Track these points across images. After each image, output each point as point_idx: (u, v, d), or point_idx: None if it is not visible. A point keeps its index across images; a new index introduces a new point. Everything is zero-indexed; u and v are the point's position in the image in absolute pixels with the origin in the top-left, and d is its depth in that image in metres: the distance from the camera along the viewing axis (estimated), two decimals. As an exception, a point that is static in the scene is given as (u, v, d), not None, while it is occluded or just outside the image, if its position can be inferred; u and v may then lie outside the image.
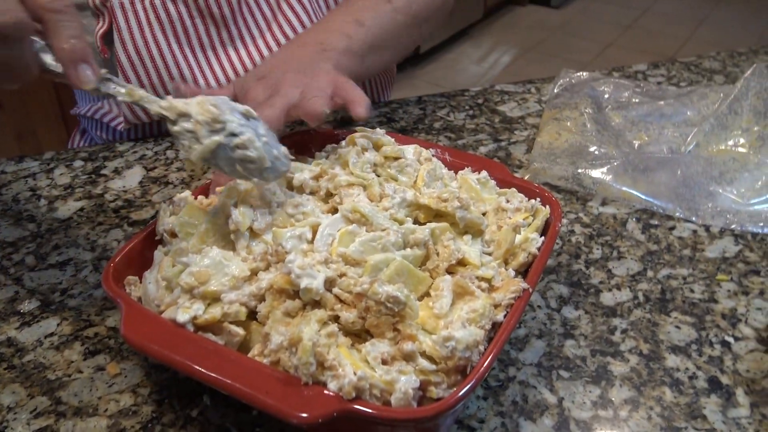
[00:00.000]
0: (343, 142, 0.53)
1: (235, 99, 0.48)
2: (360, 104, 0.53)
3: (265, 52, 0.73)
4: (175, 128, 0.43)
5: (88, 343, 0.50)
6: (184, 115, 0.42)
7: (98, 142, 0.84)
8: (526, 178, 0.67)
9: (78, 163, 0.70)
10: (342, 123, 0.77)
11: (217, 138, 0.42)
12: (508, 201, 0.51)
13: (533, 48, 3.53)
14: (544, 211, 0.50)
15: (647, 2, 4.16)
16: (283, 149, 0.46)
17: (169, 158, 0.71)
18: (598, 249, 0.59)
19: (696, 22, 3.81)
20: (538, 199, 0.51)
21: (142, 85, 0.70)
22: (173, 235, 0.46)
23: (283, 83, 0.56)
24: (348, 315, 0.38)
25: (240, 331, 0.40)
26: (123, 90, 0.44)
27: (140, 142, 0.74)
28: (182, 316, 0.40)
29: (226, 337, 0.40)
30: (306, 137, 0.59)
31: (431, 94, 0.83)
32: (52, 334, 0.50)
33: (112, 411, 0.45)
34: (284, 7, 0.72)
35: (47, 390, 0.46)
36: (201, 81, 0.72)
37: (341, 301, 0.39)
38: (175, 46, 0.70)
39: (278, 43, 0.73)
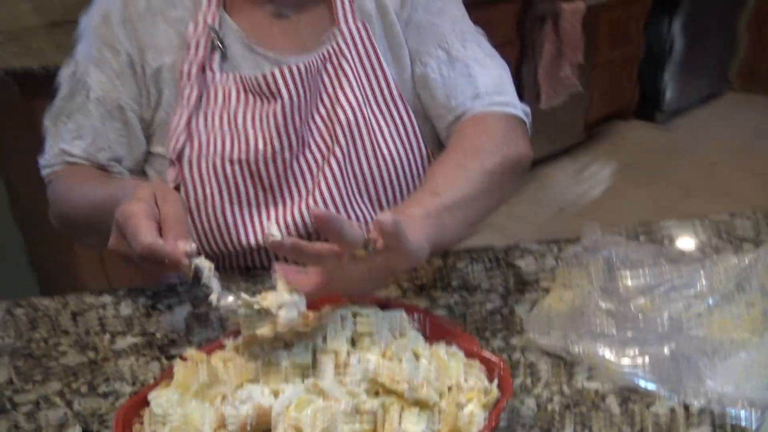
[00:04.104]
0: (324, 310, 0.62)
1: None
2: None
3: (305, 213, 0.84)
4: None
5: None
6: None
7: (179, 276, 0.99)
8: (522, 342, 0.73)
9: (142, 299, 0.84)
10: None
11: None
12: (466, 380, 0.57)
13: (634, 165, 3.52)
14: (494, 393, 0.55)
15: (756, 121, 4.03)
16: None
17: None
18: (569, 426, 0.63)
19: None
20: (496, 380, 0.57)
21: (195, 230, 0.85)
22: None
23: None
24: None
25: None
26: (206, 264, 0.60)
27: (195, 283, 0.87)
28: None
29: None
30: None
31: (457, 250, 0.91)
32: (84, 459, 0.61)
33: None
34: (320, 177, 0.84)
35: None
36: (242, 235, 0.85)
37: None
38: (227, 202, 0.84)
39: (316, 205, 0.85)
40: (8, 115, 1.98)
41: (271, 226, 0.57)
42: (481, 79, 0.86)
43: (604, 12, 3.39)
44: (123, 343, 0.76)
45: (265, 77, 0.82)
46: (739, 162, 3.50)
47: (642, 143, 3.80)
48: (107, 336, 0.78)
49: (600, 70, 3.57)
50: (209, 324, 0.79)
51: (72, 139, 0.87)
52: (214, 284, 0.59)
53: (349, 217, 0.86)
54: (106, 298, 0.85)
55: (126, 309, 0.82)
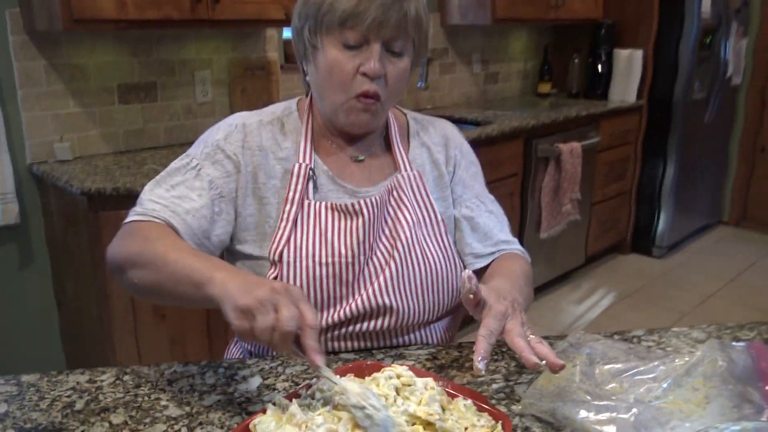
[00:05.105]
0: (377, 374, 0.85)
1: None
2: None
3: (365, 300, 1.09)
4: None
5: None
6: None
7: (244, 351, 1.23)
8: (519, 408, 0.95)
9: (221, 370, 1.07)
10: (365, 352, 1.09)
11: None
12: (478, 420, 0.79)
13: (632, 295, 3.74)
14: (498, 428, 0.77)
15: (753, 257, 4.28)
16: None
17: (279, 372, 1.06)
18: (554, 465, 0.84)
19: (799, 280, 3.87)
20: (500, 422, 0.79)
21: None
22: None
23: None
24: None
25: None
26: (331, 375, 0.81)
27: (261, 359, 1.10)
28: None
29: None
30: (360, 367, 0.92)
31: (469, 341, 1.14)
32: (190, 476, 0.82)
33: None
34: (381, 276, 1.11)
35: None
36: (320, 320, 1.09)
37: None
38: (311, 295, 1.09)
39: (375, 298, 1.10)
40: (72, 224, 2.28)
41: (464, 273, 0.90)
42: (506, 229, 1.27)
43: (600, 152, 3.77)
44: (210, 400, 0.99)
45: (352, 204, 1.13)
46: (731, 293, 3.73)
47: (638, 273, 4.05)
48: (197, 394, 1.00)
49: (598, 205, 3.90)
50: (276, 388, 1.01)
51: (174, 198, 1.08)
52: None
53: (399, 305, 1.11)
54: (192, 368, 1.08)
55: (210, 378, 1.05)
